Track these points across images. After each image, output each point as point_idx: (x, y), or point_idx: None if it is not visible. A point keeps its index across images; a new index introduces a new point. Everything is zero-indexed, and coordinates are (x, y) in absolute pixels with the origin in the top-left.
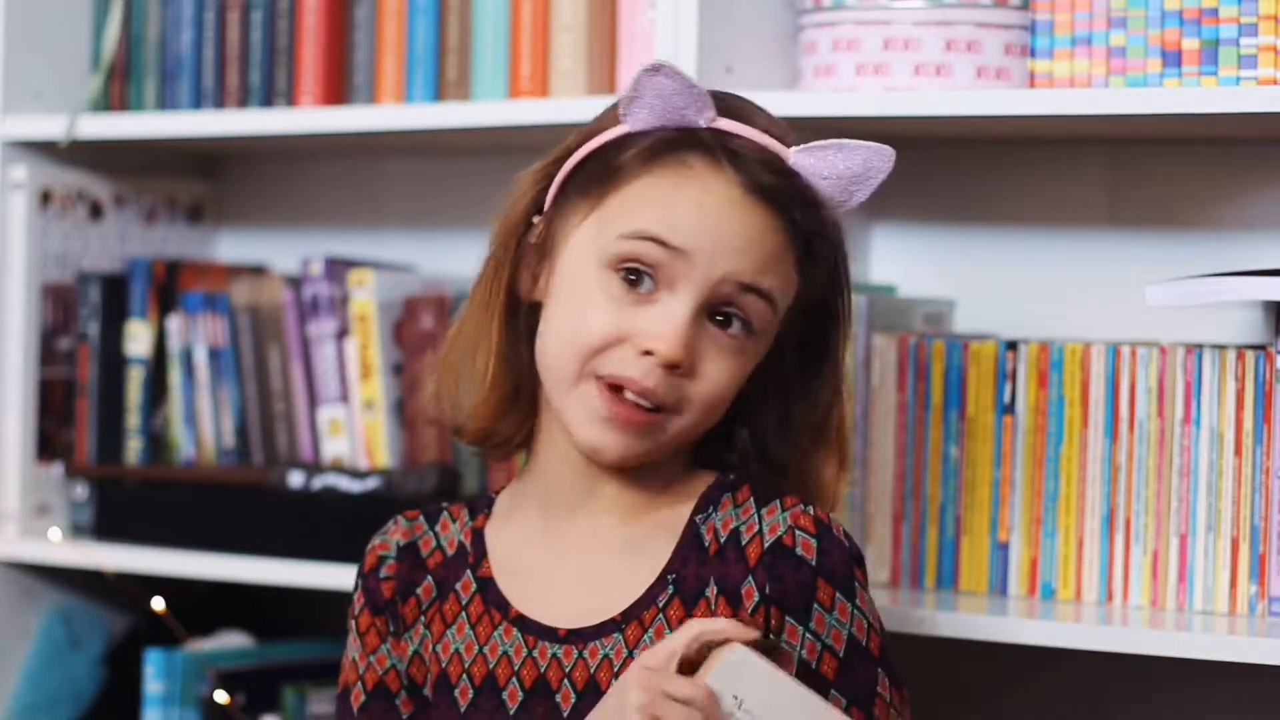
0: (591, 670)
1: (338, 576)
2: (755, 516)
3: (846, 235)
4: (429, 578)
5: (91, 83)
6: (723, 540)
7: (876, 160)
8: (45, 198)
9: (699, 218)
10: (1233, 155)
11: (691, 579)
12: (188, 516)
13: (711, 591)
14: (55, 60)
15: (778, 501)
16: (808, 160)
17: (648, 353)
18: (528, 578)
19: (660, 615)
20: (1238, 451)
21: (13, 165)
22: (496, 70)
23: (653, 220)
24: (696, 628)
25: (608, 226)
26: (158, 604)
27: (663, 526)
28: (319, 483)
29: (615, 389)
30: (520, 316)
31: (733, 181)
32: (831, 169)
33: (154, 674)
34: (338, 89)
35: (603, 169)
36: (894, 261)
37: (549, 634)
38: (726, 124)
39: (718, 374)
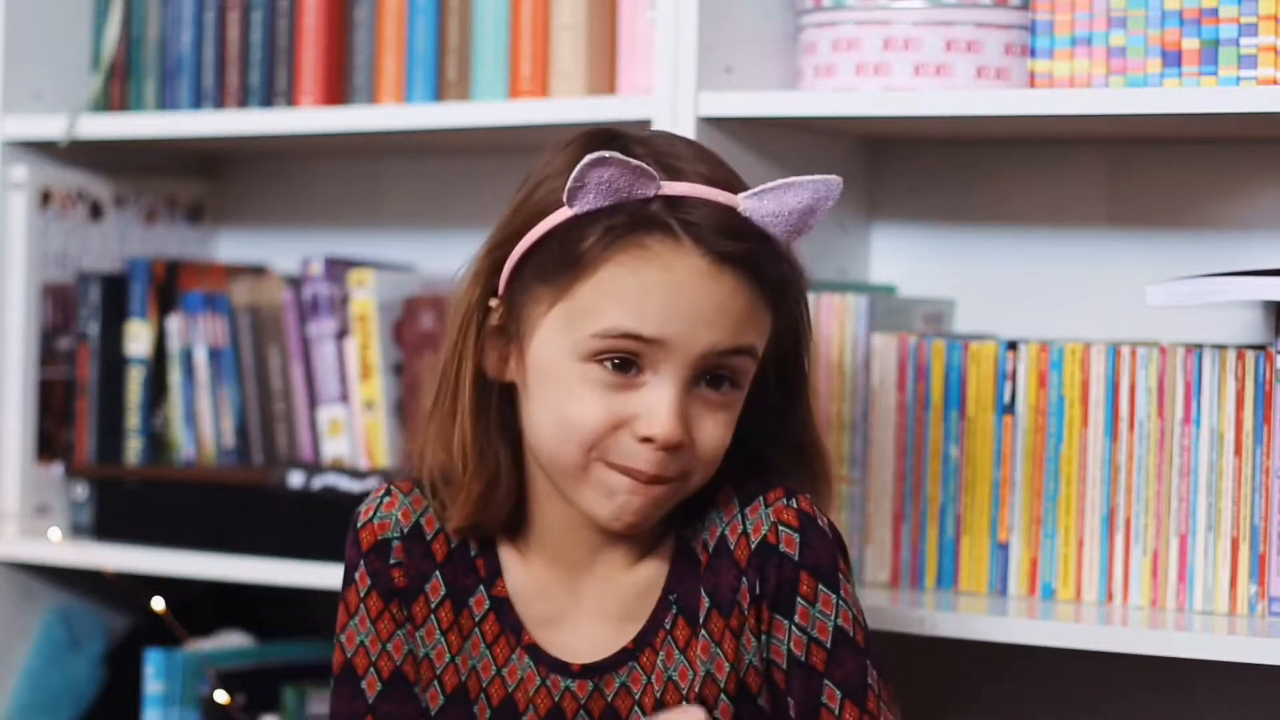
0: (609, 699)
1: (338, 576)
2: (739, 517)
3: (801, 259)
4: (437, 573)
5: (91, 83)
6: (711, 549)
7: (825, 191)
8: (45, 198)
9: (667, 303)
10: (1233, 155)
11: (689, 594)
12: (188, 516)
13: (703, 607)
14: (55, 60)
15: (760, 498)
16: (759, 204)
17: (646, 439)
18: (541, 608)
19: (669, 637)
20: (1238, 451)
21: (13, 165)
22: (496, 70)
23: (622, 315)
24: None
25: (578, 322)
26: (158, 604)
27: (658, 547)
28: (319, 483)
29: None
30: (494, 395)
31: (693, 253)
32: (782, 208)
33: (154, 674)
34: (338, 89)
35: (561, 257)
36: (894, 261)
37: (561, 668)
38: (672, 188)
39: (714, 432)
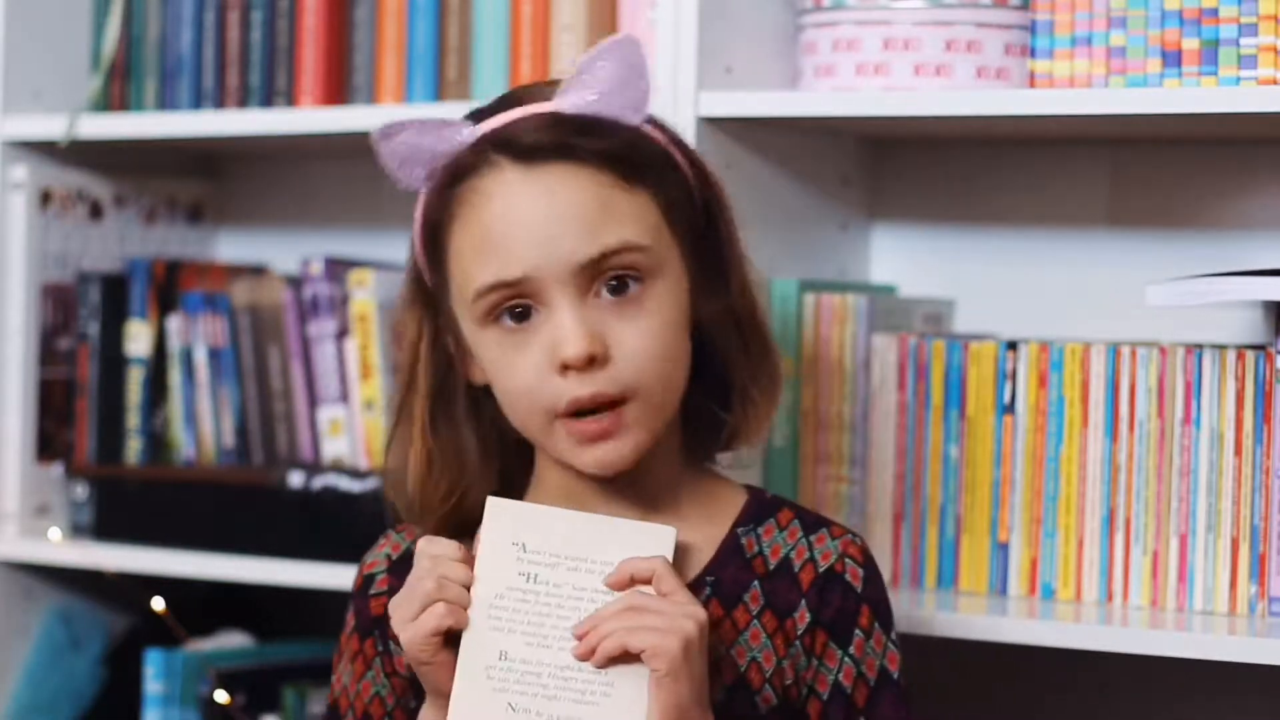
0: None
1: (338, 576)
2: (804, 542)
3: (676, 134)
4: None
5: (91, 83)
6: (772, 565)
7: (624, 49)
8: (45, 198)
9: (510, 234)
10: (1233, 155)
11: (729, 582)
12: (188, 516)
13: (754, 600)
14: (55, 60)
15: (825, 530)
16: (575, 96)
17: (566, 366)
18: None
19: None
20: (1238, 451)
21: (13, 165)
22: (496, 70)
23: (482, 269)
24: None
25: (462, 295)
26: (158, 604)
27: (699, 534)
28: (319, 483)
29: (576, 414)
30: (458, 399)
31: (513, 169)
32: (595, 83)
33: (154, 674)
34: (338, 89)
35: (430, 242)
36: (894, 261)
37: None
38: (488, 124)
39: (638, 335)
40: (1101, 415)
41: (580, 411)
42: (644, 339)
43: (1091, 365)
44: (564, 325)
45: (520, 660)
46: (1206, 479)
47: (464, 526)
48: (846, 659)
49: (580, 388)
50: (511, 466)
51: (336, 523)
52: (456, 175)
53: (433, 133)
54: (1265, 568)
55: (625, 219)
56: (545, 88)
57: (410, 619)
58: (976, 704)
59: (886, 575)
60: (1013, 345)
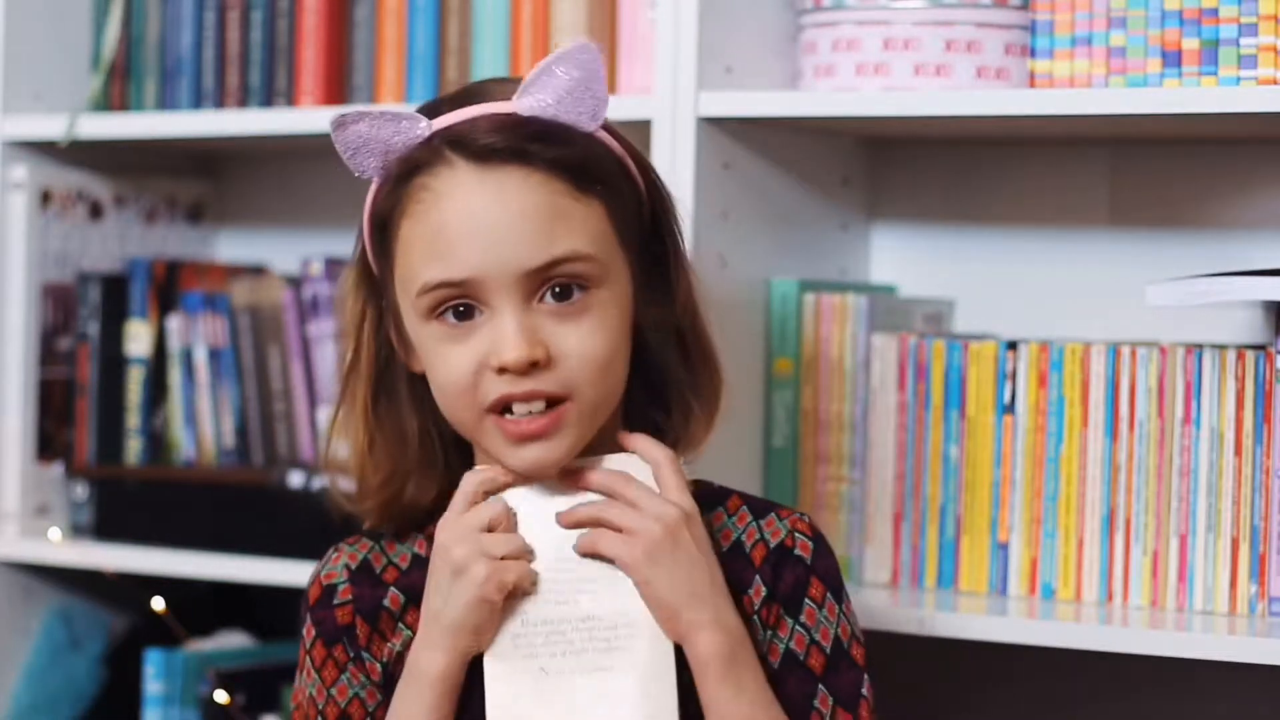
0: None
1: None
2: (753, 525)
3: (629, 142)
4: (392, 588)
5: (91, 83)
6: (724, 549)
7: (584, 55)
8: (45, 198)
9: (461, 234)
10: (1233, 155)
11: None
12: (188, 516)
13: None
14: (55, 60)
15: (774, 513)
16: (534, 99)
17: (503, 369)
18: None
19: None
20: (1238, 451)
21: (13, 165)
22: (496, 70)
23: (429, 267)
24: (472, 479)
25: (407, 289)
26: (158, 604)
27: None
28: (319, 483)
29: (508, 410)
30: (400, 387)
31: (467, 169)
32: (555, 90)
33: (154, 674)
34: (338, 89)
35: (379, 232)
36: (894, 261)
37: None
38: (444, 120)
39: (581, 340)
40: (1101, 415)
41: (509, 408)
42: (585, 345)
43: (1091, 365)
44: (505, 330)
45: (542, 621)
46: (1206, 479)
47: (408, 523)
48: (798, 627)
49: (514, 386)
50: (453, 462)
51: (337, 523)
52: (410, 170)
53: (388, 125)
54: (1265, 568)
55: (575, 228)
56: (504, 85)
57: (493, 556)
58: (976, 704)
59: (886, 575)
60: (1013, 345)
